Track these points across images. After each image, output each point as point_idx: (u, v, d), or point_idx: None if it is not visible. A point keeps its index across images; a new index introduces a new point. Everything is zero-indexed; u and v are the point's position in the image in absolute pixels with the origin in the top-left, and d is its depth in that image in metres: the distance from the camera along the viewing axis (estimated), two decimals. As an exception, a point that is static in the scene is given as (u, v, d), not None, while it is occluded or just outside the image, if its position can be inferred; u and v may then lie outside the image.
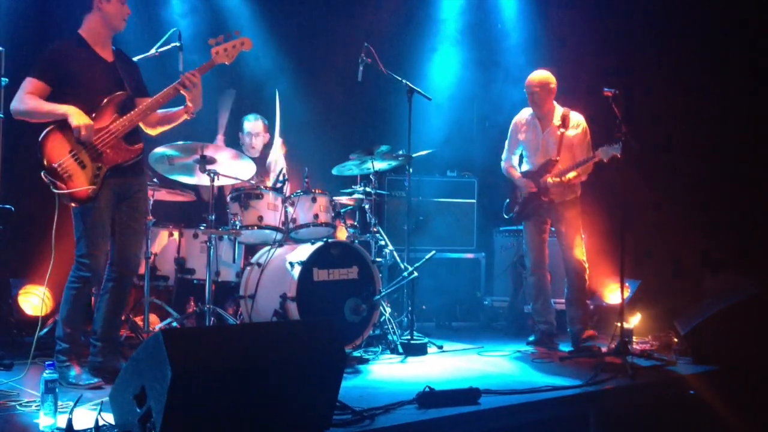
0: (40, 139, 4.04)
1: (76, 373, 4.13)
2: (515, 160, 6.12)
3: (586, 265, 5.78)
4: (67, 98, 4.11)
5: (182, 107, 4.46)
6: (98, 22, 4.27)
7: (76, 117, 4.02)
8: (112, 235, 4.32)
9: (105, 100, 4.16)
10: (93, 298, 4.71)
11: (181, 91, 4.33)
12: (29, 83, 4.11)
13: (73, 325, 4.25)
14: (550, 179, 5.70)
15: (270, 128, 6.51)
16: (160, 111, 4.46)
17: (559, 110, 5.86)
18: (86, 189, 4.05)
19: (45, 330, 4.97)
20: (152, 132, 4.55)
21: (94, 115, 4.10)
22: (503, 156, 6.16)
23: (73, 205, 4.11)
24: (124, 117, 4.20)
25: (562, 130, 5.78)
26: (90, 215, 4.14)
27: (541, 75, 5.84)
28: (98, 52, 4.30)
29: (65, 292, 4.23)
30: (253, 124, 6.45)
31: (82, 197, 4.06)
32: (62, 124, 4.05)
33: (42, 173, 4.00)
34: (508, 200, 6.16)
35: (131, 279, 4.53)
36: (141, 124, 4.41)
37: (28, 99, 4.09)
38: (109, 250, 4.28)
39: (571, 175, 5.69)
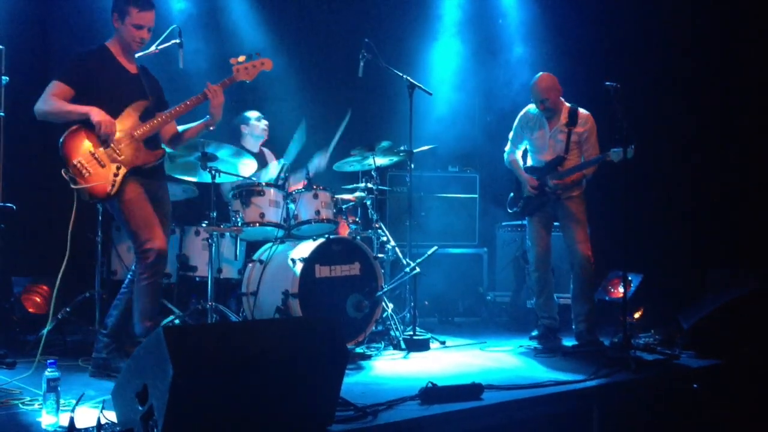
0: (62, 136, 4.10)
1: None
2: (519, 154, 6.10)
3: (593, 260, 5.76)
4: (91, 103, 4.17)
5: (203, 120, 4.59)
6: (117, 39, 4.39)
7: (98, 114, 4.10)
8: None
9: (129, 107, 4.27)
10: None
11: (209, 97, 4.45)
12: (54, 86, 4.18)
13: (153, 317, 4.30)
14: (551, 182, 5.68)
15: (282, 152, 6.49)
16: (179, 127, 4.58)
17: (566, 107, 5.83)
18: (104, 184, 4.11)
19: (47, 328, 4.96)
20: (170, 148, 4.67)
21: (117, 119, 4.20)
22: (507, 148, 6.14)
23: (91, 202, 4.18)
24: (146, 123, 4.29)
25: (570, 127, 5.75)
26: (136, 206, 4.22)
27: (548, 81, 5.77)
28: (123, 64, 4.40)
29: (136, 286, 4.26)
30: (255, 112, 6.49)
31: (101, 194, 4.12)
32: (85, 124, 4.13)
33: (62, 171, 4.06)
34: (511, 194, 6.14)
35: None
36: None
37: (52, 100, 4.15)
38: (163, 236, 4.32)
39: (574, 177, 5.70)
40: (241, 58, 4.59)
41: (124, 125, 4.23)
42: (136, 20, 4.29)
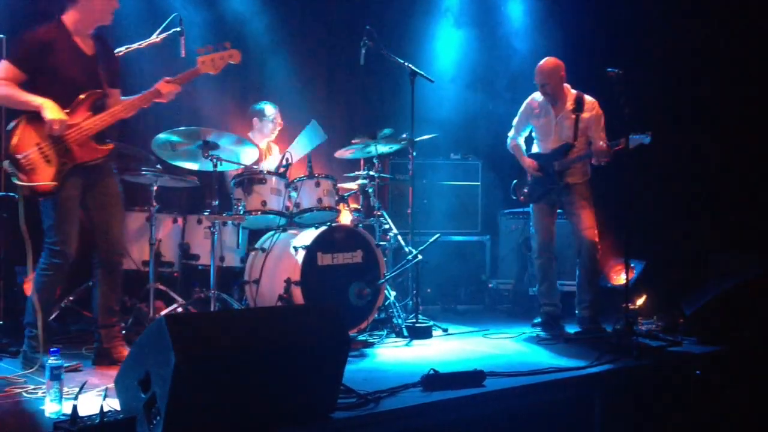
0: (8, 128, 4.01)
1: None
2: (521, 140, 6.09)
3: (600, 247, 5.75)
4: (42, 89, 4.05)
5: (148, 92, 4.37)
6: (83, 15, 4.19)
7: (51, 111, 3.97)
8: (90, 222, 4.32)
9: (80, 97, 4.12)
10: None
11: (162, 94, 4.30)
12: (5, 68, 4.05)
13: (45, 311, 4.23)
14: (557, 165, 5.66)
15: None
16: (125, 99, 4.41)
17: (572, 93, 5.81)
18: (48, 184, 4.01)
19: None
20: None
21: (68, 110, 4.06)
22: (510, 134, 6.12)
23: (30, 198, 4.06)
24: (97, 116, 4.16)
25: (577, 113, 5.73)
26: (58, 203, 4.11)
27: (551, 65, 5.76)
28: (78, 44, 4.21)
29: (36, 278, 4.20)
30: (274, 111, 6.45)
31: (43, 191, 4.02)
32: (34, 116, 4.00)
33: (5, 163, 3.98)
34: (515, 181, 6.12)
35: (119, 262, 4.50)
36: None
37: (3, 85, 4.03)
38: (78, 237, 4.23)
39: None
40: (209, 47, 4.44)
41: (75, 118, 4.09)
42: None
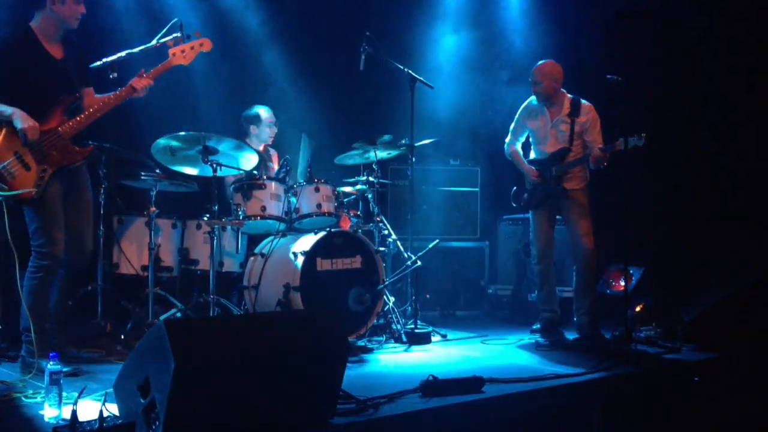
0: None
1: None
2: (519, 145, 6.09)
3: (596, 253, 5.74)
4: (13, 98, 4.05)
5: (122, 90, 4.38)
6: (50, 21, 4.20)
7: (22, 119, 3.98)
8: (65, 225, 4.33)
9: (54, 103, 4.13)
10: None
11: (136, 90, 4.33)
12: None
13: (40, 315, 4.24)
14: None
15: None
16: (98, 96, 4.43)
17: (568, 98, 5.82)
18: (29, 192, 4.02)
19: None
20: None
21: (42, 117, 4.06)
22: (507, 139, 6.12)
23: (15, 204, 4.07)
24: (73, 120, 4.17)
25: (573, 117, 5.74)
26: (42, 206, 4.13)
27: (547, 65, 5.78)
28: (47, 49, 4.23)
29: (26, 282, 4.21)
30: (269, 114, 6.44)
31: (26, 199, 4.04)
32: (8, 126, 4.01)
33: None
34: (515, 188, 6.12)
35: (83, 265, 4.54)
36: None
37: None
38: (63, 238, 4.25)
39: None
40: (179, 39, 4.45)
41: (50, 124, 4.10)
42: None
